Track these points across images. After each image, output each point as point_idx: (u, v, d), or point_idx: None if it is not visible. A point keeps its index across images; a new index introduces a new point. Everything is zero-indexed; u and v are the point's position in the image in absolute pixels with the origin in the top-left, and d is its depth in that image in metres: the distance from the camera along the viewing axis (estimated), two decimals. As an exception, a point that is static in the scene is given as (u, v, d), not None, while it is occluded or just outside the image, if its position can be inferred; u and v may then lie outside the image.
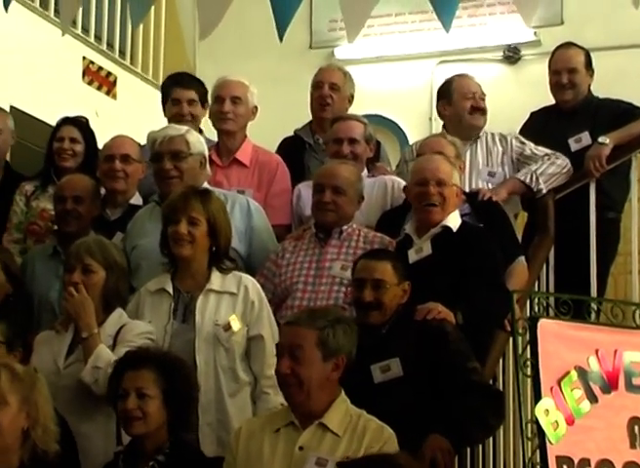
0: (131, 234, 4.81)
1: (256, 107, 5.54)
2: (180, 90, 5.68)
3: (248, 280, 4.31)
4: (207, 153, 4.90)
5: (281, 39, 3.68)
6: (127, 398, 3.67)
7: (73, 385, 4.07)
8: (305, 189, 5.26)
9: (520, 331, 3.75)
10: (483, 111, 5.64)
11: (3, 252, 4.80)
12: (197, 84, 5.77)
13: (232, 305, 4.22)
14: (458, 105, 5.64)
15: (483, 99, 5.67)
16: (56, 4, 7.44)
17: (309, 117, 5.92)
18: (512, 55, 8.68)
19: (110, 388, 3.78)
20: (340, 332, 3.64)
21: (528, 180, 5.46)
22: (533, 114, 6.08)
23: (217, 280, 4.26)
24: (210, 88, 5.67)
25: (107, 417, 4.00)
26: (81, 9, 6.88)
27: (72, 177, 5.10)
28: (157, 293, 4.28)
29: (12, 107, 6.50)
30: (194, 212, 4.24)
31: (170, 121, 5.59)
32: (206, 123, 5.74)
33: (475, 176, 5.48)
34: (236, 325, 4.18)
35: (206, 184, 4.80)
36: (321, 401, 3.59)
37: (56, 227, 5.15)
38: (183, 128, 4.89)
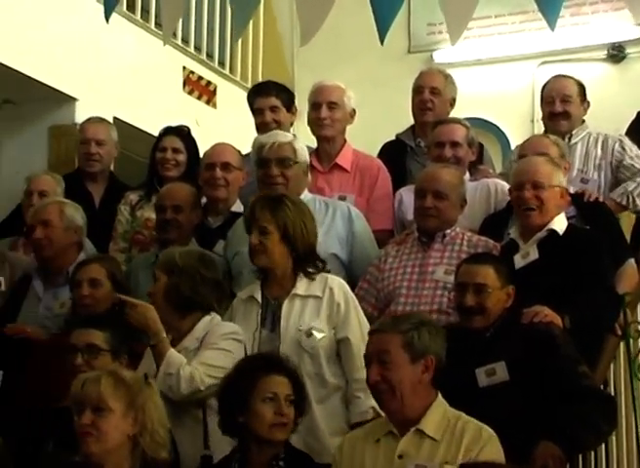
0: (232, 241, 4.81)
1: (354, 110, 5.51)
2: (260, 99, 5.68)
3: (334, 282, 4.26)
4: (308, 161, 4.89)
5: (382, 42, 3.65)
6: (279, 402, 3.65)
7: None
8: (407, 194, 5.22)
9: (633, 334, 3.65)
10: (565, 115, 5.53)
11: (110, 260, 4.85)
12: (278, 90, 5.74)
13: (317, 309, 4.18)
14: (542, 111, 5.60)
15: (568, 102, 5.54)
16: (157, 16, 7.53)
17: (410, 121, 5.87)
18: (617, 53, 8.48)
19: (237, 392, 3.73)
20: (426, 334, 3.60)
21: (624, 202, 5.35)
22: (640, 113, 5.94)
23: (302, 284, 4.23)
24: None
25: (195, 422, 4.00)
26: (181, 20, 6.99)
27: (172, 187, 5.14)
28: (248, 301, 4.29)
29: (115, 118, 6.58)
30: (263, 221, 4.22)
31: (257, 130, 5.61)
32: (297, 128, 5.73)
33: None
34: (318, 331, 4.14)
35: (306, 191, 4.80)
36: (415, 406, 3.55)
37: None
38: (289, 135, 4.89)
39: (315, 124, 5.47)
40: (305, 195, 4.78)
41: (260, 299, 4.24)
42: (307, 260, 4.25)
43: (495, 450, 3.44)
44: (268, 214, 4.22)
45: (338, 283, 4.26)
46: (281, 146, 4.75)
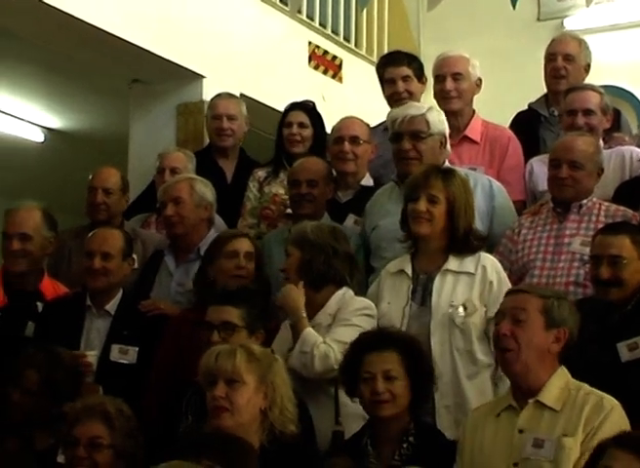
0: (370, 214, 4.77)
1: (480, 79, 5.40)
2: (391, 68, 5.61)
3: (487, 259, 4.20)
4: (447, 131, 4.77)
5: (514, 6, 3.54)
6: (375, 381, 3.62)
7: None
8: (537, 164, 5.11)
9: None
10: None
11: (252, 239, 4.82)
12: (409, 59, 5.66)
13: (469, 286, 4.13)
14: None
15: None
16: (282, -8, 7.54)
17: (542, 91, 5.73)
18: None
19: (347, 370, 3.74)
20: (565, 306, 3.52)
21: None
22: None
23: (455, 260, 4.17)
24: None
25: (327, 397, 4.00)
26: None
27: (306, 161, 5.11)
28: (397, 275, 4.25)
29: (241, 95, 6.59)
30: (434, 189, 4.16)
31: (388, 101, 5.55)
32: (424, 100, 5.63)
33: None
34: (472, 306, 4.08)
35: (447, 163, 4.71)
36: (538, 374, 3.46)
37: (289, 211, 5.19)
38: (425, 106, 4.79)
39: (441, 97, 5.38)
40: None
41: (410, 273, 4.20)
42: (463, 240, 4.19)
43: (618, 420, 3.33)
44: (441, 184, 4.18)
45: (490, 261, 4.21)
46: (413, 119, 4.65)
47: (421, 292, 4.17)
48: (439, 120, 4.70)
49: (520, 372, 3.46)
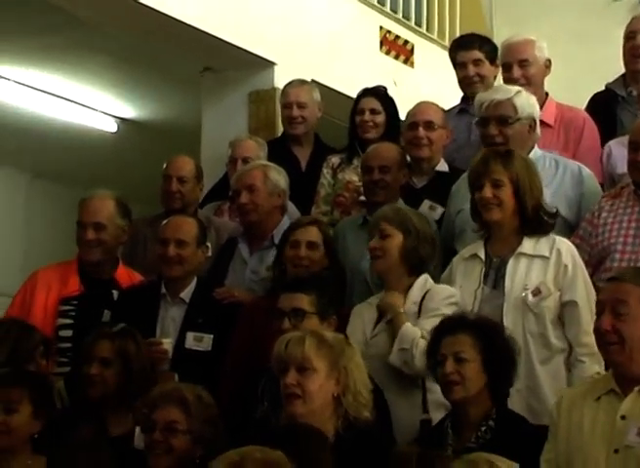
0: (456, 198, 4.75)
1: (549, 60, 5.34)
2: (462, 52, 5.58)
3: (562, 243, 4.15)
4: (537, 114, 4.69)
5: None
6: (445, 363, 3.61)
7: (379, 354, 4.07)
8: (616, 146, 5.01)
9: None
10: None
11: (324, 224, 4.81)
12: (481, 42, 5.62)
13: (544, 269, 4.08)
14: None
15: None
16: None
17: (618, 73, 5.63)
18: None
19: (429, 355, 3.73)
20: None
21: None
22: None
23: (529, 243, 4.13)
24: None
25: (413, 386, 3.99)
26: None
27: (379, 147, 5.07)
28: (470, 259, 4.23)
29: (313, 81, 6.57)
30: (496, 173, 4.12)
31: (460, 85, 5.53)
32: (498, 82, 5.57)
33: None
34: (546, 290, 4.02)
35: (536, 148, 4.66)
36: None
37: (363, 198, 5.17)
38: (513, 90, 4.72)
39: (510, 84, 5.29)
40: (535, 152, 4.66)
41: (483, 257, 4.18)
42: (534, 218, 4.15)
43: None
44: (501, 167, 4.14)
45: (565, 245, 4.15)
46: (499, 104, 4.61)
47: (494, 276, 4.14)
48: (528, 103, 4.63)
49: (624, 363, 3.38)
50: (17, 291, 4.96)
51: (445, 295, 4.11)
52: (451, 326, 3.70)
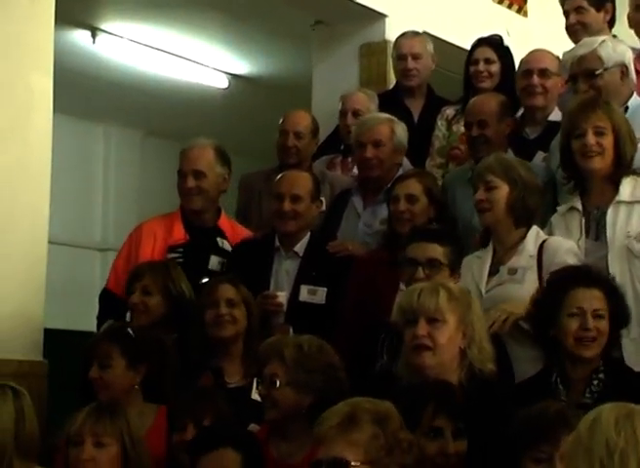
0: (556, 151, 4.60)
1: None
2: (568, 0, 5.44)
3: None
4: (629, 59, 4.56)
5: None
6: (585, 318, 3.52)
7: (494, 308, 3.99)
8: None
9: None
10: None
11: (426, 176, 4.78)
12: None
13: None
14: None
15: None
16: None
17: None
18: None
19: (545, 304, 3.64)
20: None
21: None
22: None
23: (626, 190, 4.07)
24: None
25: (531, 340, 3.90)
26: None
27: (476, 100, 5.00)
28: (567, 214, 4.17)
29: (424, 33, 6.47)
30: (600, 120, 4.05)
31: (568, 33, 5.41)
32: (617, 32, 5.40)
33: None
34: None
35: (634, 96, 4.53)
36: None
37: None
38: (596, 41, 4.59)
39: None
40: (633, 101, 4.52)
41: (581, 209, 4.11)
42: (630, 167, 4.08)
43: None
44: (603, 115, 4.06)
45: None
46: (583, 59, 4.51)
47: (595, 227, 4.07)
48: (615, 51, 4.51)
49: None
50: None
51: (567, 247, 4.02)
52: (581, 277, 3.61)
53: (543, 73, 5.02)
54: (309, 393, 3.54)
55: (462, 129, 5.34)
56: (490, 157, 4.33)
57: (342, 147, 5.44)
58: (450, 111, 5.54)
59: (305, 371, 3.56)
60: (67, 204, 8.69)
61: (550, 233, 4.18)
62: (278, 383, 3.54)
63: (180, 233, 4.89)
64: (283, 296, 4.52)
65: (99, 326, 4.73)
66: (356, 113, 5.57)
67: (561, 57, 5.19)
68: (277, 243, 4.70)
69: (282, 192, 4.66)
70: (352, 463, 2.71)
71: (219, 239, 4.89)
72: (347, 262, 4.60)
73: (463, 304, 3.49)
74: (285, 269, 4.68)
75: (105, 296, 4.90)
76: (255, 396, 3.85)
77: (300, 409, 3.53)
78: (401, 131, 5.02)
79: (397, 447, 2.80)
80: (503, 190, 4.13)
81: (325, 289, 4.56)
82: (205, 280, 4.58)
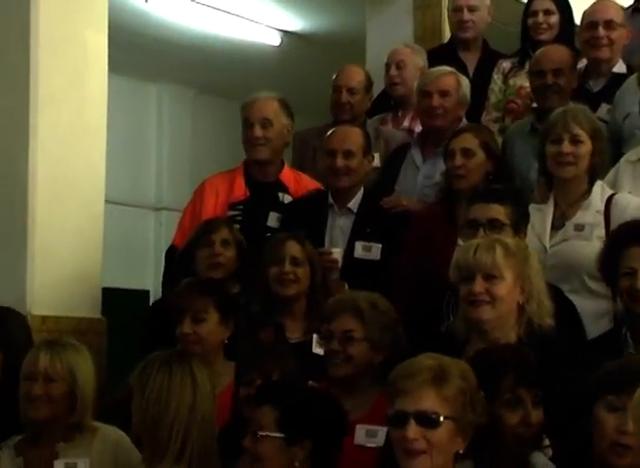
0: (622, 103, 4.59)
1: None
2: None
3: None
4: None
5: None
6: (636, 278, 3.47)
7: (560, 265, 3.97)
8: None
9: None
10: None
11: (483, 130, 4.72)
12: None
13: None
14: None
15: None
16: None
17: None
18: None
19: (606, 261, 3.61)
20: None
21: None
22: None
23: None
24: None
25: (597, 296, 3.89)
26: None
27: (550, 49, 4.94)
28: (637, 163, 4.11)
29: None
30: None
31: None
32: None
33: None
34: None
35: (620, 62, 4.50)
36: None
37: (534, 104, 5.03)
38: None
39: None
40: (618, 68, 4.51)
41: None
42: None
43: None
44: None
45: None
46: None
47: None
48: None
49: None
50: (185, 203, 5.07)
51: (637, 204, 3.96)
52: (635, 235, 3.54)
53: (609, 25, 4.93)
54: (381, 350, 3.55)
55: (519, 82, 5.33)
56: (574, 107, 4.24)
57: (392, 104, 5.38)
58: (506, 64, 5.47)
59: (379, 328, 3.56)
60: (121, 163, 8.71)
61: (615, 180, 4.12)
62: (354, 339, 3.53)
63: (240, 189, 4.90)
64: (338, 253, 4.50)
65: (165, 283, 4.76)
66: (400, 65, 5.54)
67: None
68: (331, 200, 4.68)
69: (334, 148, 4.64)
70: (441, 418, 2.71)
71: (280, 193, 4.88)
72: (402, 218, 4.58)
73: (521, 259, 3.44)
74: (339, 226, 4.67)
75: (172, 253, 4.91)
76: (316, 350, 3.86)
77: (372, 365, 3.53)
78: (466, 84, 4.99)
79: (478, 405, 2.80)
80: (588, 145, 4.07)
81: (379, 245, 4.53)
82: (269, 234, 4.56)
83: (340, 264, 4.49)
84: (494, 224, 3.84)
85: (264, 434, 3.02)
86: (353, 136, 4.68)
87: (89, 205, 4.68)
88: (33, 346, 3.67)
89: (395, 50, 5.70)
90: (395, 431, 2.73)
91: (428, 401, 2.72)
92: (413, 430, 2.69)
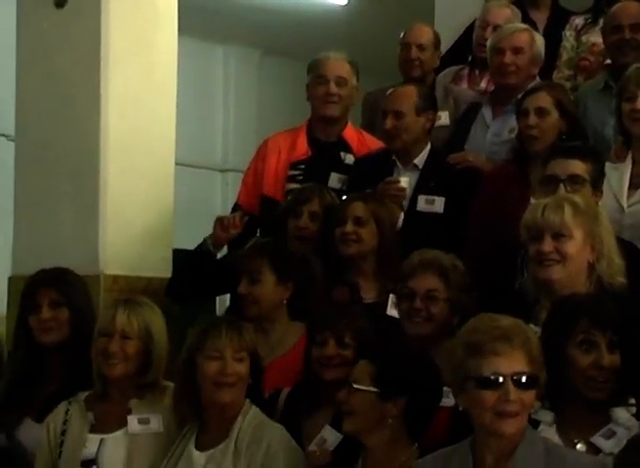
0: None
1: None
2: None
3: None
4: None
5: None
6: None
7: (638, 224, 3.93)
8: None
9: None
10: None
11: (557, 88, 4.64)
12: None
13: None
14: None
15: None
16: None
17: None
18: None
19: None
20: None
21: None
22: None
23: None
24: None
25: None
26: None
27: (628, 4, 4.86)
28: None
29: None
30: None
31: None
32: None
33: None
34: None
35: None
36: None
37: (608, 61, 4.96)
38: None
39: None
40: None
41: None
42: None
43: None
44: None
45: None
46: None
47: None
48: None
49: None
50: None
51: None
52: None
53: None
54: (459, 311, 3.53)
55: (592, 39, 5.25)
56: None
57: (470, 59, 5.33)
58: (579, 21, 5.40)
59: (459, 289, 3.56)
60: (188, 125, 8.73)
61: None
62: (437, 298, 3.53)
63: (302, 148, 4.92)
64: (405, 181, 4.47)
65: (230, 243, 4.78)
66: (496, 28, 5.37)
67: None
68: (394, 157, 4.67)
69: (385, 109, 4.66)
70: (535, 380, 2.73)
71: (342, 153, 4.88)
72: (468, 174, 4.57)
73: (590, 218, 3.41)
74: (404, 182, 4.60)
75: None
76: (391, 312, 3.84)
77: (451, 326, 3.51)
78: (540, 42, 4.94)
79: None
80: None
81: (443, 198, 4.50)
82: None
83: (406, 193, 4.46)
84: (574, 180, 3.78)
85: (359, 387, 3.04)
86: (404, 96, 4.66)
87: (160, 165, 4.71)
88: (110, 304, 3.72)
89: (496, 9, 5.54)
90: (487, 393, 2.71)
91: (523, 363, 2.72)
92: (513, 392, 2.69)
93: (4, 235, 7.47)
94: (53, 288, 3.84)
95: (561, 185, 3.78)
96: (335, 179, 4.79)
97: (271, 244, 4.17)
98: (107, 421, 3.53)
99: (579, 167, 3.80)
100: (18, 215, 4.71)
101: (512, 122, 4.61)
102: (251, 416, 3.35)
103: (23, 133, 4.73)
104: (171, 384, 3.58)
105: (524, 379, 2.71)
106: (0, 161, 7.57)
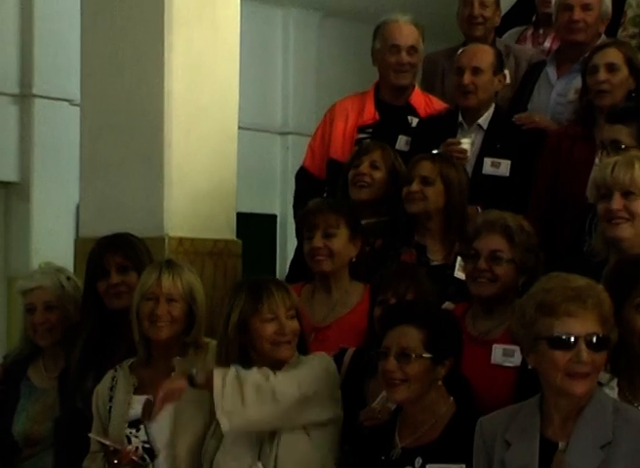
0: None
1: None
2: None
3: None
4: None
5: None
6: None
7: None
8: None
9: None
10: None
11: (625, 45, 4.59)
12: None
13: None
14: None
15: None
16: None
17: None
18: None
19: None
20: None
21: None
22: None
23: None
24: None
25: None
26: None
27: None
28: None
29: None
30: None
31: None
32: None
33: None
34: None
35: None
36: None
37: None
38: None
39: None
40: None
41: None
42: None
43: None
44: None
45: None
46: None
47: None
48: None
49: None
50: (310, 127, 5.07)
51: None
52: None
53: None
54: (524, 272, 3.50)
55: (659, -5, 5.16)
56: None
57: (534, 19, 5.27)
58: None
59: (525, 250, 3.52)
60: (248, 88, 8.72)
61: None
62: (502, 259, 3.51)
63: (370, 112, 4.92)
64: (467, 143, 4.44)
65: (296, 204, 4.82)
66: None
67: None
68: (460, 118, 4.64)
69: (462, 65, 4.61)
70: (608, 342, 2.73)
71: (409, 117, 4.86)
72: (534, 134, 4.53)
73: None
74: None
75: (302, 175, 4.98)
76: (458, 275, 3.84)
77: (516, 286, 3.49)
78: (608, 3, 4.89)
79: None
80: None
81: (509, 161, 4.47)
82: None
83: (468, 155, 4.43)
84: (616, 146, 3.74)
85: (414, 355, 3.07)
86: (483, 54, 4.63)
87: (223, 128, 4.71)
88: (151, 268, 3.71)
89: None
90: (559, 353, 2.71)
91: (595, 324, 2.71)
92: (585, 353, 2.68)
93: (68, 198, 7.66)
94: (119, 253, 3.89)
95: (603, 152, 3.76)
96: (402, 142, 4.78)
97: (343, 201, 4.20)
98: (153, 383, 3.54)
99: (621, 131, 3.78)
100: (83, 179, 4.74)
101: (578, 82, 4.57)
102: (295, 362, 3.42)
103: (89, 98, 4.75)
104: (212, 340, 3.62)
105: (596, 340, 2.69)
106: (64, 126, 7.70)
